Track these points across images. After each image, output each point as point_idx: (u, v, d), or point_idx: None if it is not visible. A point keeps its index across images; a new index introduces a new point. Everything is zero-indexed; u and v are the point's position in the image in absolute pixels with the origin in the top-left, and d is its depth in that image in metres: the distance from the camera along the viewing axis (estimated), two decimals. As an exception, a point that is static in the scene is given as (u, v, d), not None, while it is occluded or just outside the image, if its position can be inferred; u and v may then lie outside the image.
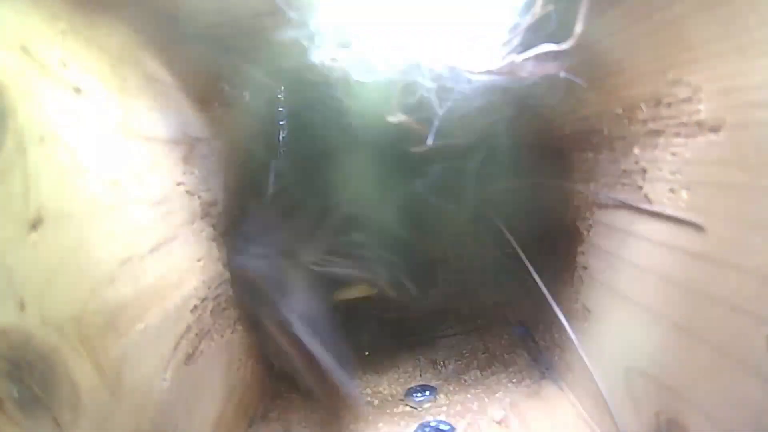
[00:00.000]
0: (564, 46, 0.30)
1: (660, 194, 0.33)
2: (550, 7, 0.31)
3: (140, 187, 0.33)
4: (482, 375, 0.60)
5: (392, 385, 0.60)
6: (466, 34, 0.34)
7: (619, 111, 0.38)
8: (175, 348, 0.35)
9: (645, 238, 0.35)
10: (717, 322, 0.28)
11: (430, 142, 0.39)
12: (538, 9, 0.31)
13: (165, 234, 0.36)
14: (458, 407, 0.52)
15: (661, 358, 0.33)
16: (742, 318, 0.26)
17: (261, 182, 0.63)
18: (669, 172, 0.32)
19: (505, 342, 0.66)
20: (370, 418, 0.53)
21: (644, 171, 0.35)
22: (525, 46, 0.33)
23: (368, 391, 0.59)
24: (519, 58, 0.33)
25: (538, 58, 0.32)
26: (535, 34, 0.33)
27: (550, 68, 0.32)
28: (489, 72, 0.34)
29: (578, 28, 0.29)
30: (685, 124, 0.30)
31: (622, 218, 0.39)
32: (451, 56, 0.35)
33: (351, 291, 0.63)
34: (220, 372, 0.44)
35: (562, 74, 0.33)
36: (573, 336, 0.45)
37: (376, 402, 0.56)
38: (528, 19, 0.32)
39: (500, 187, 0.61)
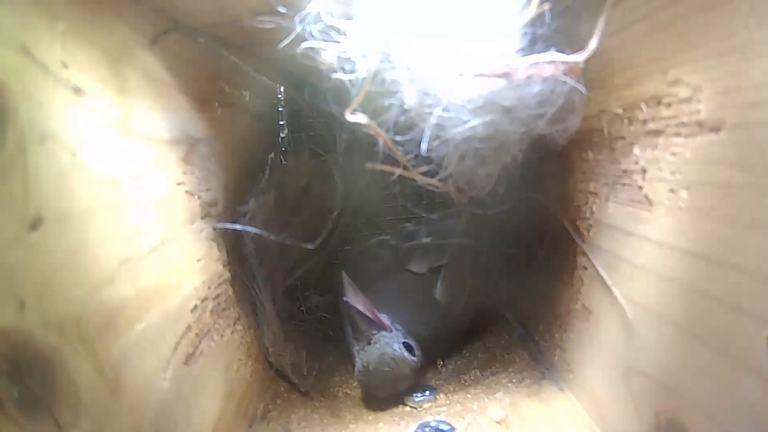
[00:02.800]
0: (579, 58, 0.30)
1: (660, 194, 0.33)
2: (546, 6, 0.30)
3: (140, 187, 0.33)
4: (482, 375, 0.60)
5: (392, 385, 0.60)
6: (462, 36, 0.34)
7: (619, 111, 0.38)
8: (175, 348, 0.35)
9: (645, 238, 0.35)
10: (717, 322, 0.28)
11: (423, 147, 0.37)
12: (534, 7, 0.30)
13: (165, 234, 0.36)
14: (458, 407, 0.52)
15: (661, 358, 0.33)
16: (742, 318, 0.26)
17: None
18: (669, 172, 0.32)
19: (505, 342, 0.66)
20: (370, 418, 0.53)
21: (644, 171, 0.35)
22: (523, 49, 0.33)
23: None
24: (519, 61, 0.32)
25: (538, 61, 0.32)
26: (528, 36, 0.33)
27: (550, 70, 0.32)
28: (484, 75, 0.33)
29: (593, 43, 0.29)
30: (685, 124, 0.30)
31: (622, 218, 0.39)
32: (445, 59, 0.34)
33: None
34: (220, 372, 0.44)
35: (562, 78, 0.33)
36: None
37: (376, 402, 0.56)
38: (524, 19, 0.31)
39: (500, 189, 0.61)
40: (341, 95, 0.35)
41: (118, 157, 0.31)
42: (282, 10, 0.34)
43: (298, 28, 0.33)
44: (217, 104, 0.49)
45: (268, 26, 0.34)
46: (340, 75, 0.34)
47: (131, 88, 0.33)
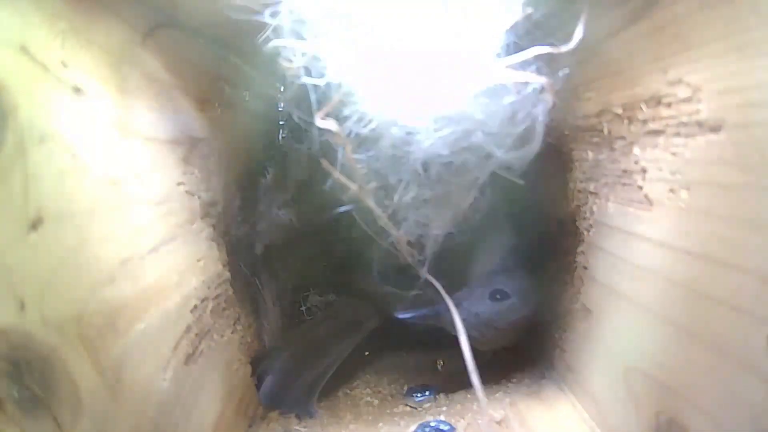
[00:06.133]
0: (565, 48, 0.30)
1: (660, 194, 0.33)
2: (530, 11, 0.30)
3: (140, 187, 0.33)
4: (482, 375, 0.60)
5: (392, 385, 0.60)
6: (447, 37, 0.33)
7: (619, 111, 0.38)
8: (175, 348, 0.35)
9: (645, 238, 0.35)
10: (717, 322, 0.28)
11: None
12: (520, 11, 0.30)
13: (165, 234, 0.36)
14: (458, 407, 0.52)
15: (661, 358, 0.33)
16: (742, 318, 0.26)
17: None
18: (669, 172, 0.32)
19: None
20: (370, 418, 0.53)
21: (644, 171, 0.35)
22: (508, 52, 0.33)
23: (368, 391, 0.59)
24: (507, 61, 0.32)
25: (528, 64, 0.31)
26: (513, 40, 0.32)
27: (540, 80, 0.32)
28: (472, 76, 0.33)
29: (578, 32, 0.29)
30: (685, 124, 0.30)
31: (622, 218, 0.39)
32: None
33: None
34: (220, 372, 0.44)
35: (548, 97, 0.33)
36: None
37: (376, 402, 0.56)
38: (509, 22, 0.31)
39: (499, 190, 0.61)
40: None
41: (118, 157, 0.31)
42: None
43: (273, 22, 0.32)
44: (217, 104, 0.49)
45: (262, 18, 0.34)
46: (307, 79, 0.33)
47: (131, 88, 0.33)
